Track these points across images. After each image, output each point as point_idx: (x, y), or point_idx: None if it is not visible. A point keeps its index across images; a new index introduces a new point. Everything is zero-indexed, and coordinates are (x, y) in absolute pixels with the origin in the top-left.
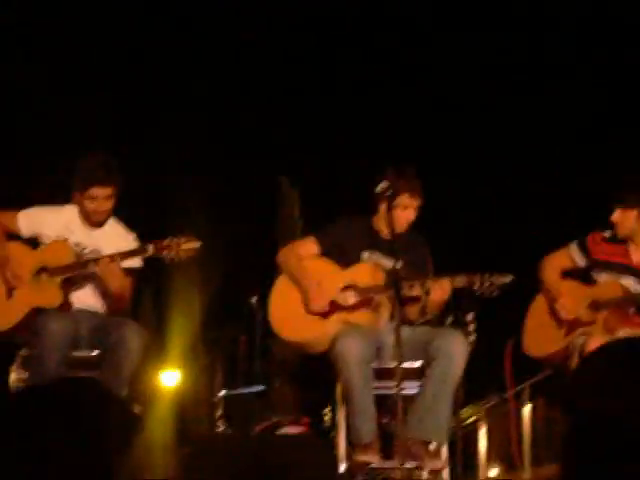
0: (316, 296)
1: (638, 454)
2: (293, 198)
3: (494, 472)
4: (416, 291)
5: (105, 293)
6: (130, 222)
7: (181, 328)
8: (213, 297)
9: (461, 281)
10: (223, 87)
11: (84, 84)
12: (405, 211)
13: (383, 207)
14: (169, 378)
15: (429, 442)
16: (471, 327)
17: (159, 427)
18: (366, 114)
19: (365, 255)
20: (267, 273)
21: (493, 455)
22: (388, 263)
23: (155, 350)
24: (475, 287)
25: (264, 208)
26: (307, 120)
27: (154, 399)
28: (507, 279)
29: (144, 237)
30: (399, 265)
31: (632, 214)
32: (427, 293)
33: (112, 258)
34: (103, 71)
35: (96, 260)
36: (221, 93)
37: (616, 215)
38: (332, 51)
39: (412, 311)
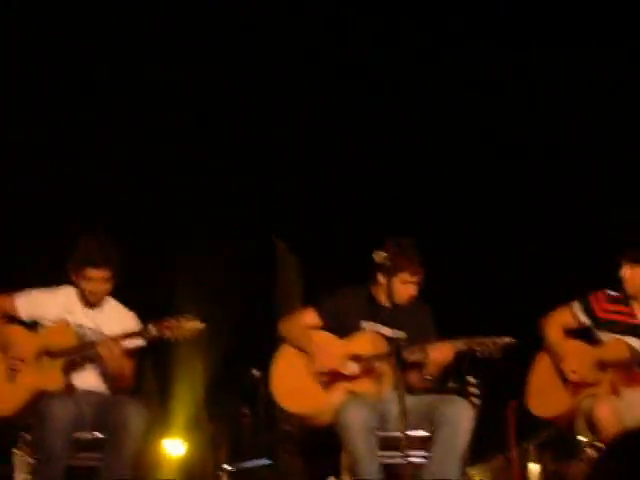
0: (325, 356)
1: None
2: (292, 261)
3: None
4: (416, 356)
5: (107, 373)
6: (128, 298)
7: (184, 398)
8: (215, 369)
9: (461, 345)
10: (220, 148)
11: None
12: (405, 286)
13: (382, 278)
14: (174, 447)
15: None
16: (474, 390)
17: None
18: (365, 181)
19: (364, 325)
20: (268, 345)
21: None
22: (388, 332)
23: (158, 421)
24: (477, 350)
25: (263, 274)
26: (307, 185)
27: (158, 469)
28: (508, 341)
29: (145, 315)
30: (400, 334)
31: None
32: (427, 357)
33: (114, 340)
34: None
35: (98, 342)
36: (218, 154)
37: (625, 272)
38: (335, 116)
39: (413, 376)
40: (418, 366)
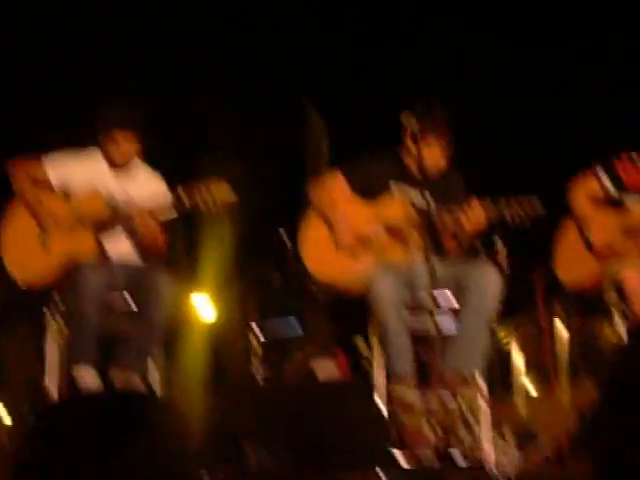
0: (345, 230)
1: None
2: (319, 122)
3: (531, 389)
4: (448, 220)
5: (141, 245)
6: (155, 162)
7: (213, 257)
8: (244, 229)
9: (491, 210)
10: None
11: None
12: (430, 149)
13: (410, 143)
14: (202, 307)
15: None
16: (502, 256)
17: (194, 360)
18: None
19: (393, 185)
20: (296, 206)
21: (530, 372)
22: (418, 197)
23: (187, 283)
24: (506, 215)
25: (290, 132)
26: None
27: (187, 331)
28: (538, 207)
29: (172, 180)
30: (430, 199)
31: None
32: (459, 222)
33: (151, 213)
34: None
35: (134, 215)
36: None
37: None
38: None
39: (447, 242)
40: (451, 232)
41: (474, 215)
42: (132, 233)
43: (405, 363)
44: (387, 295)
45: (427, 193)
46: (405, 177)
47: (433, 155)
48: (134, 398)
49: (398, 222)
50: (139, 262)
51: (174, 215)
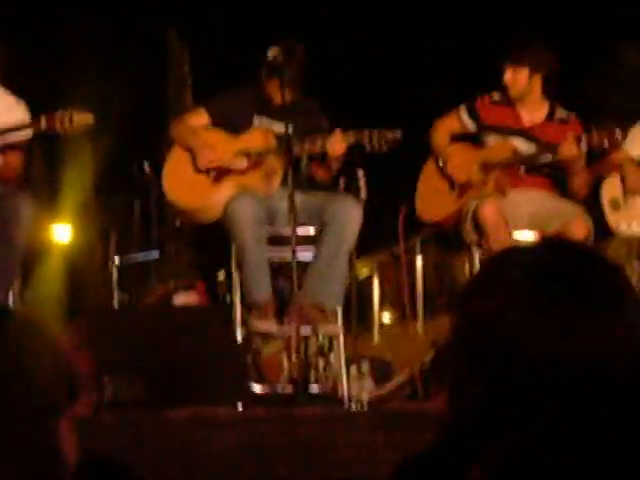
0: (206, 153)
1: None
2: (183, 54)
3: (387, 318)
4: (309, 148)
5: None
6: (18, 92)
7: (73, 184)
8: (106, 160)
9: (350, 137)
10: None
11: None
12: (289, 81)
13: (272, 77)
14: (61, 233)
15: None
16: (362, 183)
17: (51, 283)
18: None
19: (256, 121)
20: (160, 140)
21: (387, 306)
22: (280, 128)
23: (47, 207)
24: (365, 142)
25: (153, 65)
26: None
27: (45, 253)
28: (397, 134)
29: (34, 108)
30: (290, 129)
31: (523, 73)
32: (320, 149)
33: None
34: None
35: None
36: None
37: (507, 75)
38: None
39: (316, 170)
40: (318, 159)
41: (335, 141)
42: None
43: (263, 290)
44: (246, 214)
45: (290, 124)
46: (267, 109)
47: (290, 87)
48: None
49: (260, 153)
50: None
51: (28, 135)
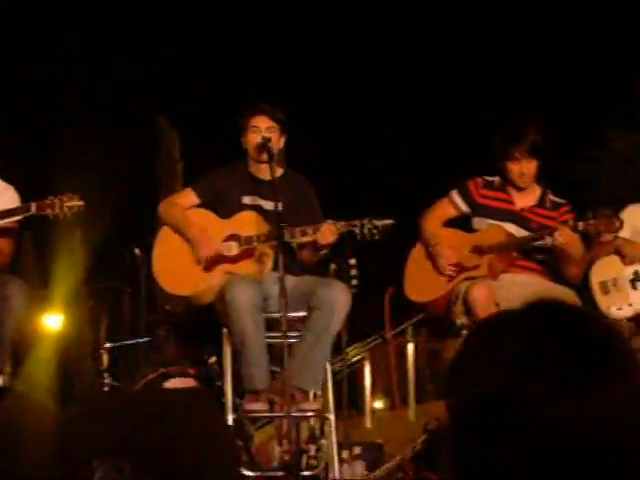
0: (204, 242)
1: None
2: (173, 139)
3: (379, 404)
4: (300, 238)
5: None
6: (9, 177)
7: (64, 273)
8: (96, 246)
9: (341, 227)
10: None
11: None
12: (256, 132)
13: (243, 140)
14: (52, 321)
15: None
16: (353, 272)
17: (41, 371)
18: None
19: (246, 200)
20: (150, 224)
21: (378, 391)
22: (270, 205)
23: (38, 296)
24: (356, 231)
25: (144, 152)
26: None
27: (36, 342)
28: (388, 222)
29: (24, 193)
30: (280, 207)
31: (534, 163)
32: (311, 238)
33: None
34: None
35: None
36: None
37: (521, 166)
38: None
39: (302, 253)
40: (305, 244)
41: (326, 232)
42: None
43: (263, 378)
44: (244, 300)
45: (279, 203)
46: (256, 187)
47: (257, 138)
48: None
49: (251, 237)
50: None
51: (17, 219)
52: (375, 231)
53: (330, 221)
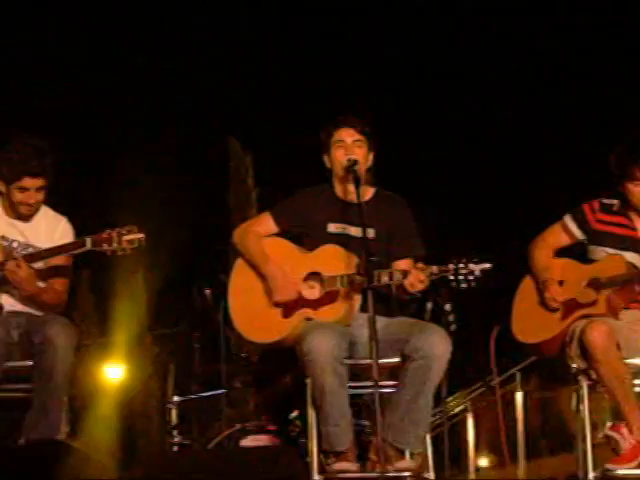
0: (282, 284)
1: None
2: (245, 162)
3: (484, 462)
4: (386, 280)
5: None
6: (62, 207)
7: (125, 318)
8: (160, 287)
9: (433, 271)
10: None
11: None
12: (342, 147)
13: (326, 158)
14: (113, 372)
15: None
16: (451, 317)
17: (102, 428)
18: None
19: (331, 228)
20: (220, 260)
21: (483, 446)
22: (358, 232)
23: (97, 343)
24: (450, 278)
25: (213, 178)
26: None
27: (96, 396)
28: (486, 266)
29: (81, 226)
30: (372, 233)
31: None
32: (404, 278)
33: (19, 260)
34: None
35: (5, 263)
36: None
37: (627, 187)
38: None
39: (393, 292)
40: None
41: (415, 280)
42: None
43: (345, 436)
44: (323, 351)
45: (370, 228)
46: (342, 212)
47: (345, 153)
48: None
49: (335, 277)
50: (37, 312)
51: (70, 253)
52: (471, 277)
53: (420, 265)
